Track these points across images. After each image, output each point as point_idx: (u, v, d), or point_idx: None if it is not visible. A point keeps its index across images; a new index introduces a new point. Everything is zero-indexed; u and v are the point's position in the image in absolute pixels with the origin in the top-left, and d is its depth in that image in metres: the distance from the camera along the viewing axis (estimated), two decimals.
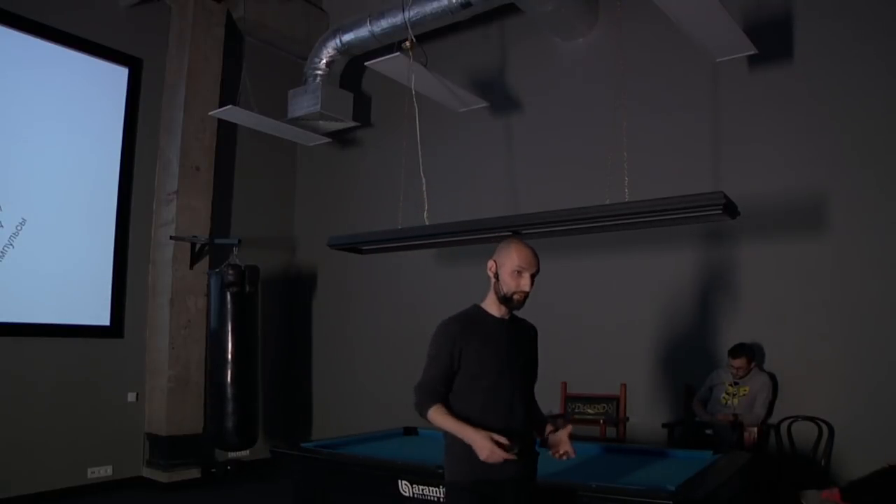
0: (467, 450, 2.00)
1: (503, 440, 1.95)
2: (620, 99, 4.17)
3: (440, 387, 2.09)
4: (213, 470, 5.66)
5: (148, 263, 5.70)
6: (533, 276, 2.14)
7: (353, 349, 6.37)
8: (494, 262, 2.17)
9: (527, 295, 2.14)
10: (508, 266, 2.12)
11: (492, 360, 2.11)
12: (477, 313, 2.19)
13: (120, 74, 5.59)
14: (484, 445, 1.94)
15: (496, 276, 2.15)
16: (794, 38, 4.39)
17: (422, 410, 2.09)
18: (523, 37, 5.60)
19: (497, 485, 2.03)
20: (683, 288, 4.66)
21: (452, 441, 2.08)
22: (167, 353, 5.46)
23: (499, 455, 1.93)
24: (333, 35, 5.80)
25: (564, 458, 2.15)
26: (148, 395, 5.55)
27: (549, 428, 2.24)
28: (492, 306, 2.18)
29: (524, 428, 2.13)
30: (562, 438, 2.15)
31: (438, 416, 2.05)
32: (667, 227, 3.86)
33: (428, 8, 5.02)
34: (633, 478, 2.79)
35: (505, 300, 2.13)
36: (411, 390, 2.13)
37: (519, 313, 2.23)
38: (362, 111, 6.39)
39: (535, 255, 2.15)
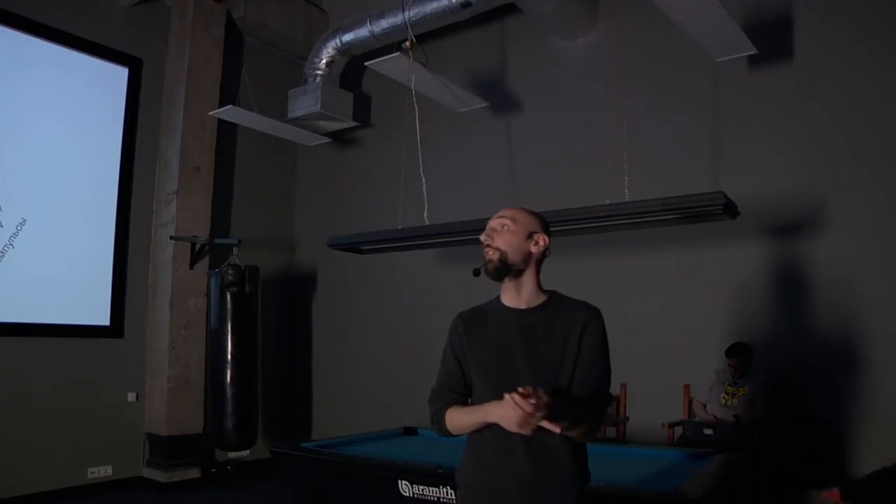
0: (469, 459, 1.73)
1: (523, 396, 1.45)
2: (620, 99, 4.17)
3: (448, 392, 1.74)
4: (213, 470, 5.66)
5: (148, 263, 5.70)
6: (494, 227, 1.74)
7: (352, 349, 6.37)
8: None
9: (492, 249, 1.70)
10: None
11: (490, 364, 1.69)
12: (490, 305, 1.80)
13: (120, 74, 5.59)
14: (508, 416, 1.48)
15: None
16: (794, 38, 4.39)
17: (438, 425, 1.72)
18: (523, 37, 5.60)
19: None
20: (683, 288, 4.66)
21: (465, 448, 1.76)
22: (167, 353, 5.45)
23: (527, 420, 1.45)
24: (333, 35, 5.80)
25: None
26: (148, 395, 5.56)
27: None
28: (506, 293, 1.77)
29: (534, 458, 1.62)
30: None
31: (457, 416, 1.67)
32: (667, 227, 3.87)
33: (428, 8, 5.02)
34: (632, 478, 2.79)
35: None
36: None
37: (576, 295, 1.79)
38: (362, 111, 6.39)
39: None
